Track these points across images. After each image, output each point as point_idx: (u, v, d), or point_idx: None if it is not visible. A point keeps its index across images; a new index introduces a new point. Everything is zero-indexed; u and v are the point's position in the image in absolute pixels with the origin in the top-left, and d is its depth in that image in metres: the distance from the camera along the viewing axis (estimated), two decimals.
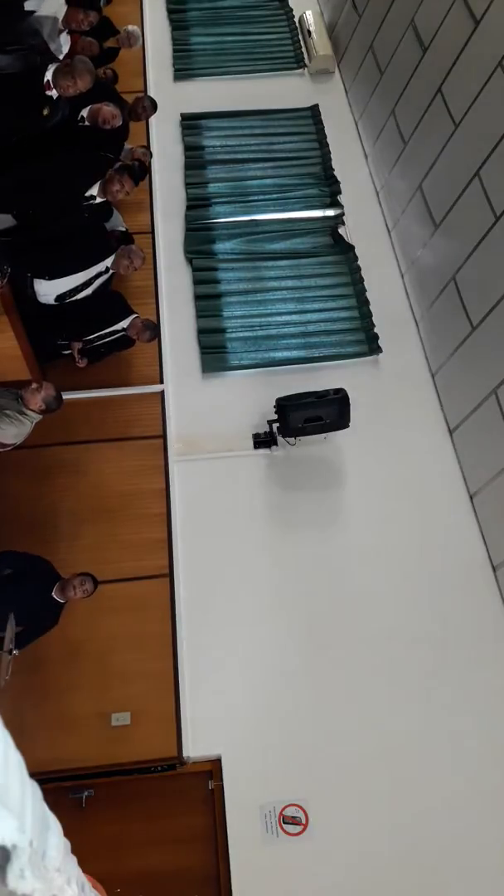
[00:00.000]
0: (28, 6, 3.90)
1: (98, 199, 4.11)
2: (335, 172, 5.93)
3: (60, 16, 4.18)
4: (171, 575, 4.24)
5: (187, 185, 5.82)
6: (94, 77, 3.62)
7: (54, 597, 3.61)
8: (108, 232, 4.61)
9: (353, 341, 5.17)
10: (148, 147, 5.25)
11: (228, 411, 4.79)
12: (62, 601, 3.63)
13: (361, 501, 4.55)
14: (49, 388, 3.79)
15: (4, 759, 0.74)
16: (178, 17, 6.96)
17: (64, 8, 4.20)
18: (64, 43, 4.25)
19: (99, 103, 4.15)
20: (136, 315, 4.47)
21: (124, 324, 4.42)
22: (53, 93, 3.54)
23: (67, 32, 4.33)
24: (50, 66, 3.51)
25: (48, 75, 3.48)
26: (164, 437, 4.69)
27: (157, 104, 5.00)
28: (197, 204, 5.73)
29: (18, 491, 4.37)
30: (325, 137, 6.14)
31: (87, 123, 4.21)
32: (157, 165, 5.71)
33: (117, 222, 4.87)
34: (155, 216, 5.61)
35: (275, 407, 4.51)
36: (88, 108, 4.16)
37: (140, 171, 4.62)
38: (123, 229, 4.93)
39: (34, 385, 3.79)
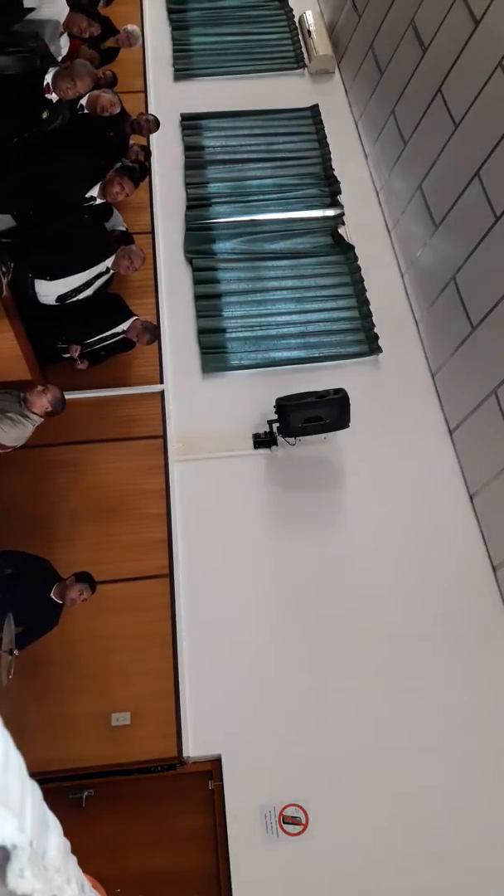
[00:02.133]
0: (27, 3, 3.89)
1: (98, 200, 4.11)
2: (335, 172, 5.93)
3: (62, 19, 4.17)
4: (171, 575, 4.24)
5: (187, 185, 5.83)
6: (94, 80, 3.61)
7: (53, 597, 3.61)
8: (108, 232, 4.61)
9: (353, 341, 5.17)
10: (147, 147, 5.23)
11: (228, 411, 4.79)
12: (61, 602, 3.63)
13: (361, 501, 4.55)
14: (55, 390, 3.79)
15: (4, 759, 0.74)
16: (178, 17, 6.96)
17: (65, 10, 4.20)
18: (63, 45, 4.25)
19: (97, 90, 4.14)
20: (136, 317, 4.47)
21: (124, 326, 4.42)
22: (53, 96, 3.54)
23: (68, 35, 4.33)
24: (50, 69, 3.51)
25: (48, 78, 3.49)
26: (164, 437, 4.68)
27: (160, 122, 4.98)
28: (197, 204, 5.73)
29: (18, 491, 4.37)
30: (325, 137, 6.14)
31: (86, 111, 4.20)
32: (157, 165, 5.71)
33: (117, 222, 4.88)
34: (155, 216, 5.61)
35: (275, 407, 4.51)
36: (87, 95, 4.16)
37: (140, 171, 4.63)
38: (123, 229, 4.93)
39: (40, 387, 3.78)
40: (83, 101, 4.16)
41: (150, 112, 5.16)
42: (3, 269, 3.40)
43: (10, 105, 3.51)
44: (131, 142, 4.92)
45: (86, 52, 4.62)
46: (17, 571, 3.63)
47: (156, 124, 4.89)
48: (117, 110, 4.23)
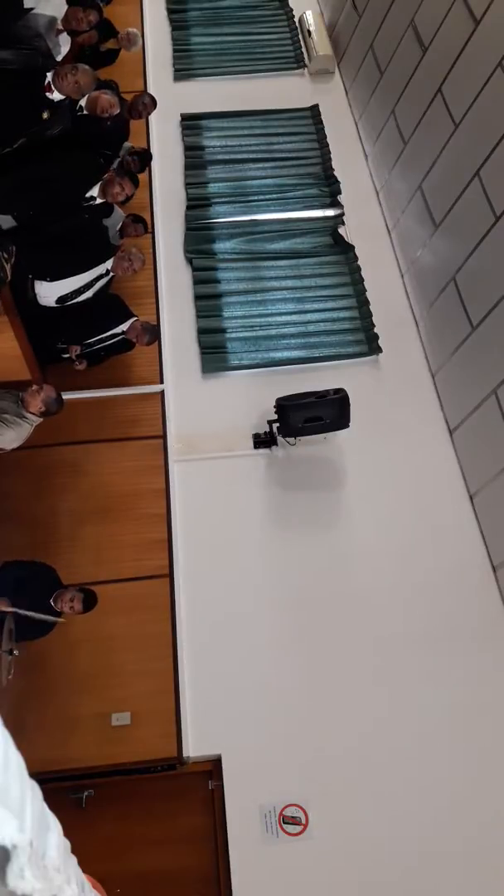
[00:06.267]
0: (27, 3, 3.88)
1: (98, 200, 4.11)
2: (335, 172, 5.93)
3: (60, 16, 4.17)
4: (171, 575, 4.24)
5: (187, 185, 5.83)
6: (95, 79, 3.61)
7: (52, 604, 3.60)
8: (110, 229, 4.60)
9: (353, 341, 5.18)
10: (145, 152, 5.17)
11: (228, 411, 4.79)
12: (59, 611, 3.62)
13: (361, 501, 4.55)
14: (49, 389, 3.78)
15: (4, 759, 0.74)
16: (178, 17, 6.96)
17: (64, 8, 4.19)
18: (63, 43, 4.24)
19: (97, 91, 4.13)
20: (135, 318, 4.46)
21: (124, 327, 4.42)
22: (55, 95, 3.54)
23: (67, 33, 4.32)
24: (51, 69, 3.51)
25: (49, 77, 3.49)
26: (164, 437, 4.69)
27: (157, 102, 4.97)
28: (197, 204, 5.74)
29: (19, 491, 4.37)
30: (325, 137, 6.14)
31: (85, 112, 4.20)
32: (157, 165, 5.71)
33: (117, 221, 4.86)
34: (155, 216, 5.61)
35: (275, 407, 4.51)
36: (87, 96, 4.15)
37: (144, 159, 4.61)
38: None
39: (34, 387, 3.78)
40: (83, 103, 4.16)
41: (146, 94, 5.09)
42: (5, 254, 3.37)
43: (10, 102, 3.50)
44: (123, 150, 4.89)
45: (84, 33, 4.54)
46: (25, 577, 3.63)
47: (153, 104, 4.85)
48: (117, 111, 4.23)
